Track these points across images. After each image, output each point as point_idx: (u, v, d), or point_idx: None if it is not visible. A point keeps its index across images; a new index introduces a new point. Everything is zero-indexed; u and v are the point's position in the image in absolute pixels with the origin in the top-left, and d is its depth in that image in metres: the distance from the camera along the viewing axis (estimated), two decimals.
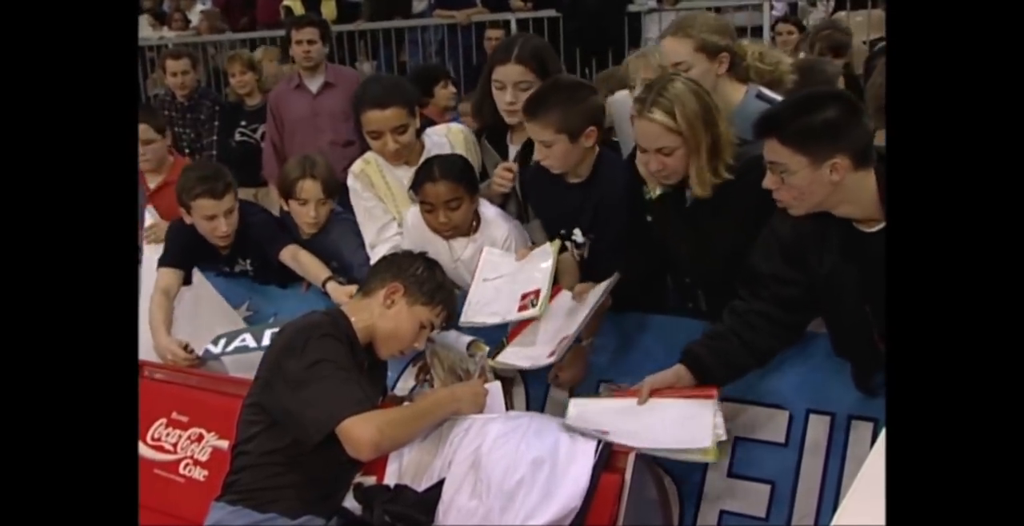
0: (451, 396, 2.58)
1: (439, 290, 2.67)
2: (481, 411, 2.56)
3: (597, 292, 2.80)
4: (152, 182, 4.42)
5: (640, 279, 2.89)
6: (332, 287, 3.34)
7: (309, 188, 3.53)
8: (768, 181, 2.37)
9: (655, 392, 2.53)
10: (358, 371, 2.48)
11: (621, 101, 3.50)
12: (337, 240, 3.55)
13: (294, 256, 3.48)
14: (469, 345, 2.98)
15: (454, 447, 2.51)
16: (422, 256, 2.77)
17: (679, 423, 2.46)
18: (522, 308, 2.92)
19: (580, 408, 2.57)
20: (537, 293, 2.91)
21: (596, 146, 3.03)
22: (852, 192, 2.26)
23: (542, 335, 2.86)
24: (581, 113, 2.93)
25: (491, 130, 3.44)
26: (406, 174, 3.35)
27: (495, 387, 2.68)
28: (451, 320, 2.77)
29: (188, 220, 3.52)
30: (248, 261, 3.74)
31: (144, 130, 4.29)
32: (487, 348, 2.95)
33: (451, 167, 3.15)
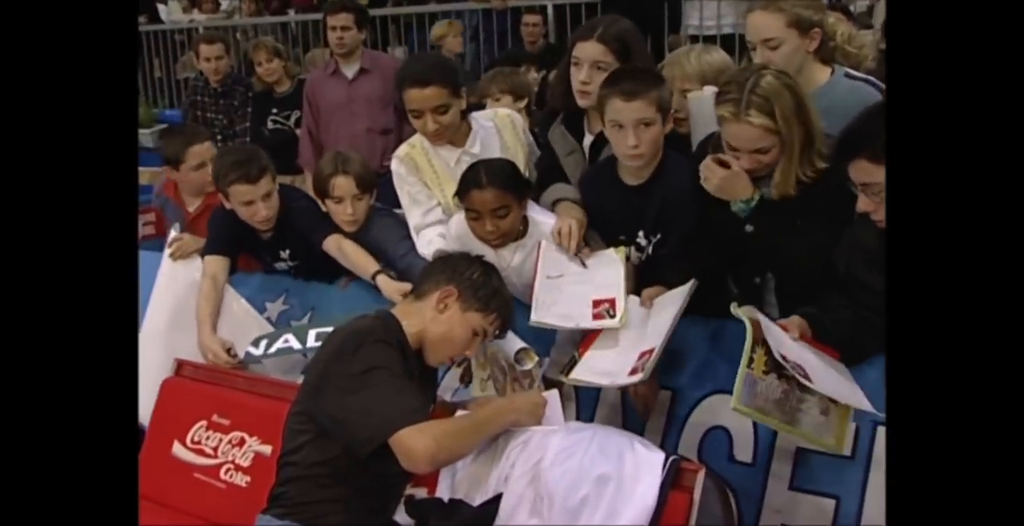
0: (510, 406, 2.48)
1: (495, 296, 2.56)
2: (540, 423, 2.46)
3: (676, 300, 2.68)
4: (192, 205, 4.30)
5: (703, 283, 2.76)
6: (382, 280, 3.25)
7: (342, 185, 3.44)
8: (863, 204, 2.25)
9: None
10: (410, 378, 2.38)
11: (708, 99, 3.33)
12: (379, 235, 3.45)
13: (339, 246, 3.39)
14: (518, 351, 2.83)
15: (511, 460, 2.41)
16: (479, 260, 2.67)
17: (836, 376, 2.39)
18: (597, 317, 2.80)
19: (771, 330, 2.42)
20: (612, 302, 2.80)
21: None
22: None
23: (619, 348, 2.72)
24: (668, 94, 2.87)
25: (568, 115, 3.30)
26: (451, 155, 3.30)
27: (553, 396, 2.56)
28: (506, 329, 2.66)
29: (227, 205, 3.46)
30: (288, 252, 3.65)
31: (207, 149, 4.16)
32: (537, 358, 2.83)
33: (499, 173, 3.02)
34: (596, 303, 2.83)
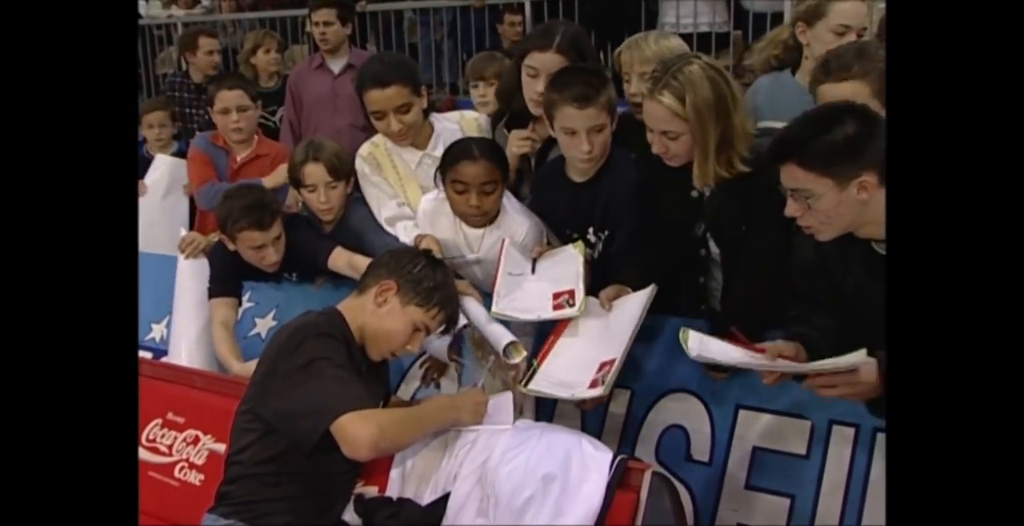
0: (451, 404, 2.47)
1: (437, 291, 2.51)
2: (481, 422, 2.45)
3: (636, 306, 2.65)
4: (241, 153, 4.38)
5: (653, 280, 2.74)
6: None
7: (313, 172, 3.40)
8: (791, 209, 2.22)
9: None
10: (356, 372, 2.37)
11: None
12: (358, 224, 3.40)
13: (349, 262, 3.28)
14: (507, 346, 2.78)
15: (460, 460, 2.41)
16: (425, 254, 2.64)
17: None
18: (557, 307, 2.78)
19: (703, 341, 2.37)
20: (572, 293, 2.78)
21: None
22: (877, 211, 2.07)
23: (578, 357, 2.68)
24: (614, 94, 2.87)
25: (512, 118, 3.30)
26: (413, 157, 3.29)
27: (505, 398, 2.54)
28: (451, 325, 2.62)
29: (231, 247, 3.37)
30: (295, 275, 3.63)
31: (239, 96, 4.29)
32: (525, 353, 2.78)
33: (491, 147, 3.04)
34: (556, 295, 2.81)
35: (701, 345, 2.31)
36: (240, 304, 3.51)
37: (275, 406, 2.29)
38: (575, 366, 2.65)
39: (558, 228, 3.06)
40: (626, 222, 2.92)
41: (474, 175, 2.95)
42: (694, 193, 2.69)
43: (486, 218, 3.04)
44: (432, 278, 2.51)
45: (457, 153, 2.99)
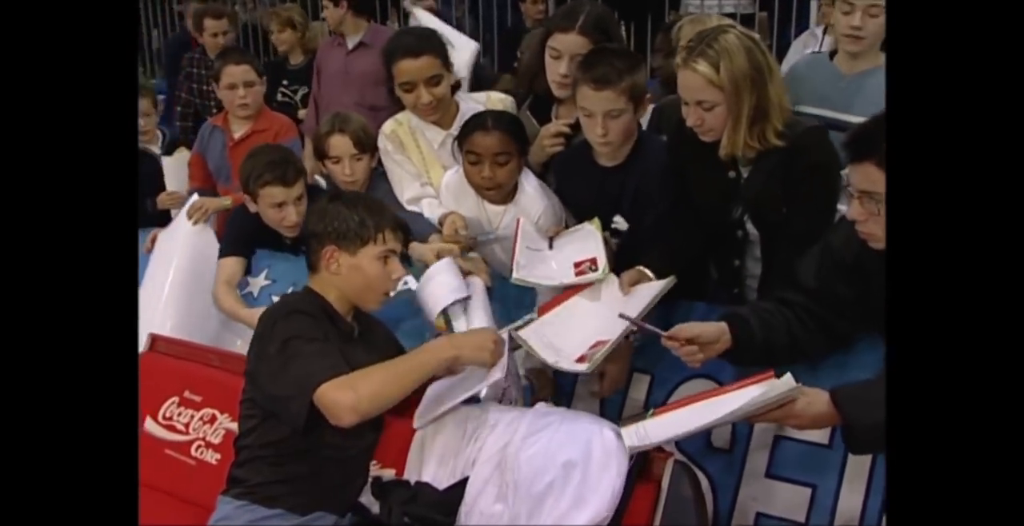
0: (448, 343, 2.35)
1: (364, 220, 2.41)
2: (491, 362, 2.32)
3: (649, 294, 2.61)
4: (238, 131, 4.30)
5: (683, 265, 2.71)
6: (415, 247, 3.08)
7: (339, 144, 3.39)
8: (856, 212, 2.13)
9: (716, 392, 2.35)
10: (343, 340, 2.34)
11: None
12: (382, 199, 3.21)
13: None
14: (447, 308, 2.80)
15: (479, 444, 2.38)
16: (326, 202, 2.51)
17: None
18: (580, 273, 2.75)
19: (637, 433, 2.30)
20: (594, 260, 2.75)
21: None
22: None
23: (577, 326, 2.64)
24: (643, 79, 2.82)
25: (536, 100, 3.26)
26: (437, 136, 3.25)
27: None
28: (407, 233, 2.58)
29: (252, 208, 3.36)
30: None
31: (245, 71, 4.24)
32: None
33: (506, 119, 3.03)
34: (578, 263, 2.78)
35: (639, 439, 2.25)
36: (249, 264, 3.52)
37: (265, 392, 2.28)
38: (571, 334, 2.61)
39: (582, 215, 3.01)
40: (655, 206, 2.87)
41: (487, 146, 2.95)
42: (731, 174, 2.65)
43: (500, 191, 3.04)
44: (351, 214, 2.42)
45: (472, 124, 3.00)
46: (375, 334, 2.54)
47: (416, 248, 3.04)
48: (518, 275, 2.74)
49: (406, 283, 2.98)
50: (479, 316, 2.77)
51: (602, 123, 2.77)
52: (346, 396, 2.11)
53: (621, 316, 2.43)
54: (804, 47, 5.52)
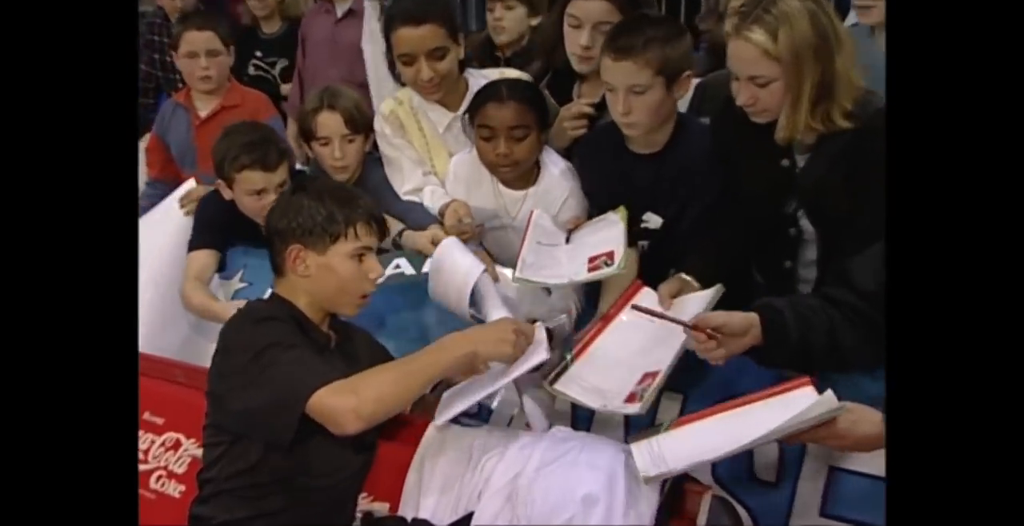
0: (464, 338, 2.16)
1: (334, 212, 2.24)
2: (513, 357, 2.15)
3: (696, 307, 2.36)
4: (204, 108, 3.98)
5: (725, 269, 2.51)
6: (408, 234, 2.94)
7: (328, 122, 3.15)
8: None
9: (742, 402, 2.14)
10: (317, 353, 2.19)
11: None
12: (378, 188, 3.11)
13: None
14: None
15: (486, 474, 2.20)
16: (288, 194, 2.37)
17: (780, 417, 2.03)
18: (593, 269, 2.54)
19: (650, 452, 2.12)
20: (611, 254, 2.54)
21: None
22: None
23: (620, 361, 2.41)
24: (680, 52, 2.57)
25: (555, 77, 3.06)
26: (443, 118, 3.05)
27: (539, 331, 2.24)
28: (381, 226, 2.35)
29: (227, 195, 3.11)
30: None
31: (209, 39, 3.90)
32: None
33: (523, 88, 2.85)
34: (592, 258, 2.58)
35: (654, 461, 2.08)
36: (223, 258, 3.25)
37: (236, 410, 2.10)
38: (614, 372, 2.38)
39: (609, 208, 2.77)
40: (697, 203, 2.66)
41: (501, 118, 2.76)
42: (785, 162, 2.44)
43: (518, 169, 2.84)
44: (317, 207, 2.24)
45: (484, 94, 2.82)
46: (356, 344, 2.40)
47: (409, 237, 2.92)
48: (520, 274, 2.55)
49: (398, 266, 2.86)
50: (494, 307, 2.59)
51: (623, 99, 2.55)
52: (347, 400, 1.99)
53: (635, 307, 2.31)
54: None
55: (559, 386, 2.36)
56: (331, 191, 2.31)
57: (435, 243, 2.77)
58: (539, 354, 2.13)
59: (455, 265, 2.68)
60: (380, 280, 2.33)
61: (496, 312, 2.55)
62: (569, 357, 2.42)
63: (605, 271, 2.52)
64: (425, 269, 2.83)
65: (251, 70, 5.14)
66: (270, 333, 2.11)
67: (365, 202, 2.32)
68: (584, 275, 2.54)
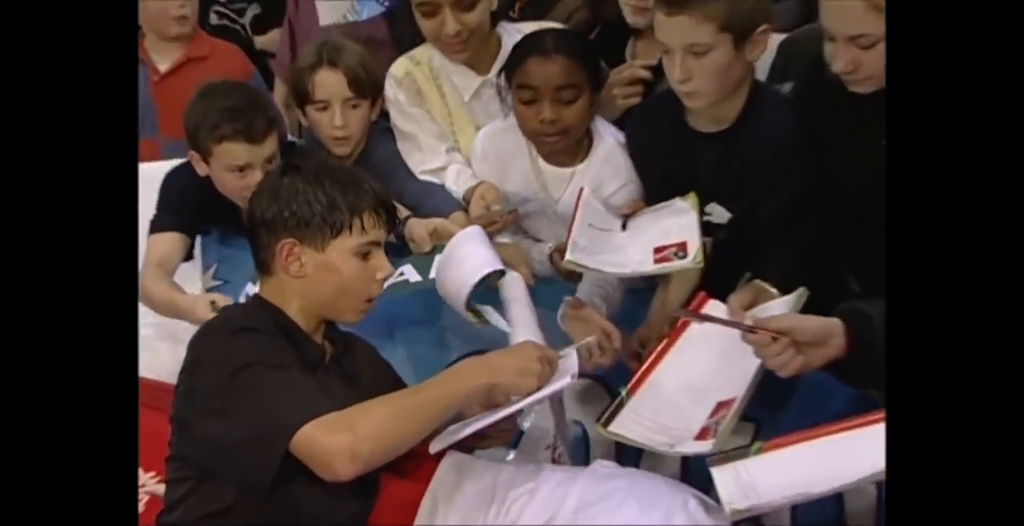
0: (480, 367, 1.95)
1: (336, 198, 2.00)
2: (536, 388, 1.91)
3: (777, 311, 2.15)
4: (163, 61, 3.64)
5: (812, 275, 2.26)
6: (412, 223, 2.66)
7: (328, 82, 2.81)
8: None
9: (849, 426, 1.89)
10: (309, 369, 1.99)
11: None
12: (386, 164, 2.84)
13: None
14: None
15: (512, 517, 2.03)
16: (278, 175, 2.08)
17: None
18: (662, 260, 2.31)
19: (737, 480, 1.88)
20: (683, 245, 2.30)
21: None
22: None
23: (686, 392, 2.18)
24: (752, 2, 2.29)
25: (604, 32, 2.82)
26: (470, 83, 2.79)
27: (569, 361, 1.99)
28: (392, 215, 2.11)
29: (202, 170, 2.77)
30: None
31: None
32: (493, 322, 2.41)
33: (572, 39, 2.58)
34: (659, 249, 2.34)
35: (742, 491, 1.88)
36: (192, 246, 2.90)
37: (206, 441, 1.90)
38: (681, 404, 2.17)
39: (663, 197, 2.50)
40: (774, 189, 2.40)
41: (546, 76, 2.46)
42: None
43: (566, 140, 2.55)
44: (316, 193, 2.01)
45: (526, 47, 2.54)
46: (356, 358, 2.18)
47: (410, 227, 2.63)
48: (572, 257, 2.29)
49: (402, 274, 2.55)
50: (522, 323, 2.34)
51: (681, 62, 2.28)
52: (340, 439, 1.79)
53: (678, 312, 2.21)
54: None
55: (615, 427, 2.13)
56: (331, 173, 2.07)
57: (435, 235, 2.53)
58: (562, 381, 1.92)
59: (465, 257, 2.43)
60: (374, 300, 2.12)
61: (523, 331, 2.30)
62: (624, 391, 2.20)
63: (677, 264, 2.27)
64: (434, 274, 2.57)
65: (213, 19, 4.62)
66: (251, 348, 1.91)
67: (372, 186, 2.07)
68: (651, 266, 2.30)
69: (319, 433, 1.80)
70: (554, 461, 2.37)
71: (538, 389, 1.90)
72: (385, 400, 1.91)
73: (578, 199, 2.48)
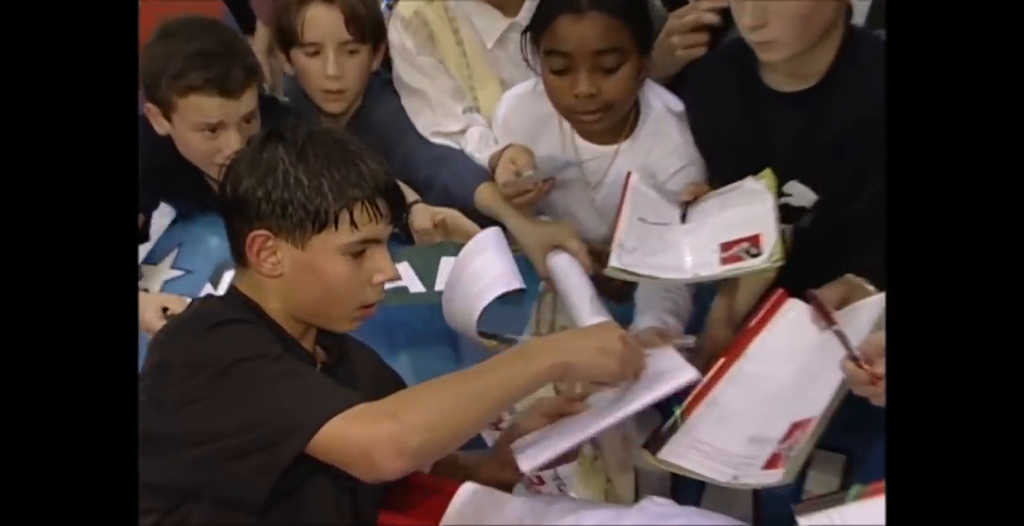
0: (551, 346, 1.74)
1: (323, 182, 1.68)
2: (627, 375, 1.70)
3: (866, 322, 1.84)
4: None
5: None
6: (418, 210, 2.41)
7: (320, 21, 2.53)
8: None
9: None
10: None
11: None
12: (387, 121, 2.58)
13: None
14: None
15: None
16: (258, 145, 1.73)
17: None
18: (731, 260, 2.00)
19: None
20: (756, 239, 1.99)
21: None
22: None
23: (751, 413, 1.89)
24: None
25: None
26: (493, 24, 2.49)
27: (665, 359, 1.78)
28: (396, 204, 1.77)
29: (162, 128, 2.47)
30: None
31: None
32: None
33: None
34: (726, 245, 2.04)
35: None
36: (146, 224, 2.63)
37: (187, 456, 1.61)
38: (747, 425, 1.89)
39: (729, 175, 2.21)
40: (870, 165, 2.07)
41: (581, 38, 2.14)
42: None
43: (608, 116, 2.22)
44: (297, 173, 1.68)
45: (554, 2, 2.22)
46: (355, 368, 1.89)
47: (413, 214, 2.36)
48: (618, 263, 1.99)
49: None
50: (585, 304, 2.12)
51: (753, 3, 2.00)
52: (383, 428, 1.55)
53: (834, 332, 1.82)
54: None
55: (667, 455, 1.85)
56: (321, 145, 1.74)
57: (442, 227, 2.30)
58: (685, 372, 1.69)
59: (477, 275, 2.16)
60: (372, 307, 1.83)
61: (589, 312, 2.08)
62: (678, 411, 1.91)
63: (749, 264, 1.96)
64: (440, 287, 2.29)
65: None
66: (242, 341, 1.65)
67: (373, 167, 1.75)
68: (717, 269, 2.00)
69: (352, 425, 1.55)
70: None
71: (621, 376, 1.68)
72: (436, 384, 1.68)
73: (626, 185, 2.20)
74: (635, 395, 1.73)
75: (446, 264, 2.25)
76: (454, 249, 2.27)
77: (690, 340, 2.07)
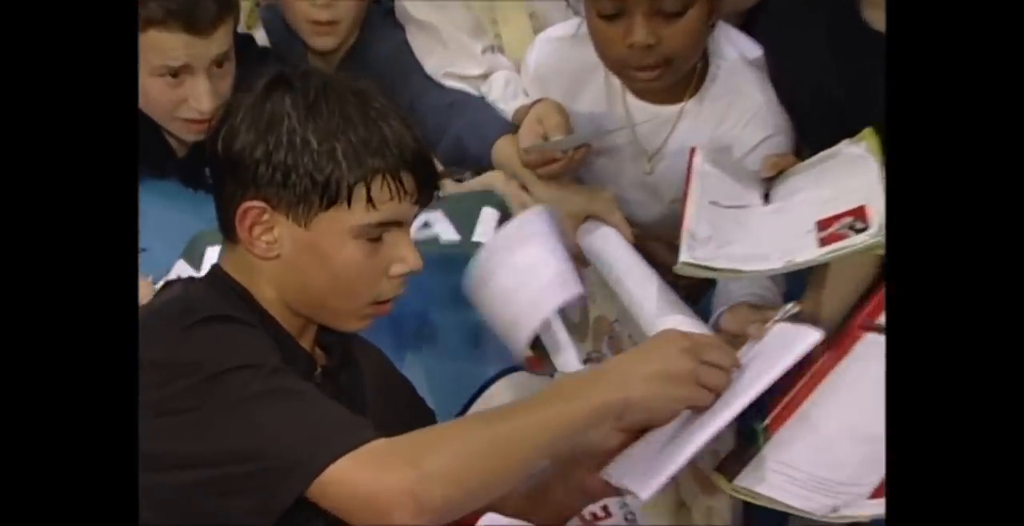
0: (607, 379, 1.42)
1: (336, 146, 1.43)
2: (696, 404, 1.41)
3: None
4: None
5: None
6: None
7: None
8: None
9: None
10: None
11: None
12: (387, 63, 2.28)
13: None
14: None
15: None
16: (261, 93, 1.45)
17: None
18: (831, 239, 1.74)
19: None
20: (859, 212, 1.73)
21: None
22: None
23: (852, 430, 1.63)
24: None
25: None
26: None
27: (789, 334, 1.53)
28: (428, 179, 1.52)
29: None
30: None
31: None
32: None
33: None
34: (824, 223, 1.78)
35: None
36: None
37: (159, 480, 1.39)
38: (846, 447, 1.63)
39: (819, 135, 1.97)
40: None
41: None
42: None
43: (669, 72, 1.93)
44: (306, 134, 1.43)
45: None
46: (360, 373, 1.65)
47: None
48: (690, 257, 1.75)
49: (427, 224, 1.93)
50: (648, 302, 1.86)
51: None
52: (399, 477, 1.32)
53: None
54: None
55: (747, 481, 1.57)
56: (337, 99, 1.46)
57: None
58: (808, 334, 1.42)
59: (530, 268, 1.83)
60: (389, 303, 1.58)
61: (651, 307, 1.81)
62: (760, 428, 1.63)
63: (857, 240, 1.67)
64: (479, 236, 1.93)
65: None
66: (231, 346, 1.43)
67: (401, 129, 1.47)
68: (816, 252, 1.70)
69: (362, 469, 1.34)
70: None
71: (700, 402, 1.40)
72: (465, 424, 1.54)
73: (690, 162, 1.91)
74: (746, 380, 1.43)
75: (488, 215, 1.95)
76: (497, 200, 1.99)
77: (794, 307, 1.74)
